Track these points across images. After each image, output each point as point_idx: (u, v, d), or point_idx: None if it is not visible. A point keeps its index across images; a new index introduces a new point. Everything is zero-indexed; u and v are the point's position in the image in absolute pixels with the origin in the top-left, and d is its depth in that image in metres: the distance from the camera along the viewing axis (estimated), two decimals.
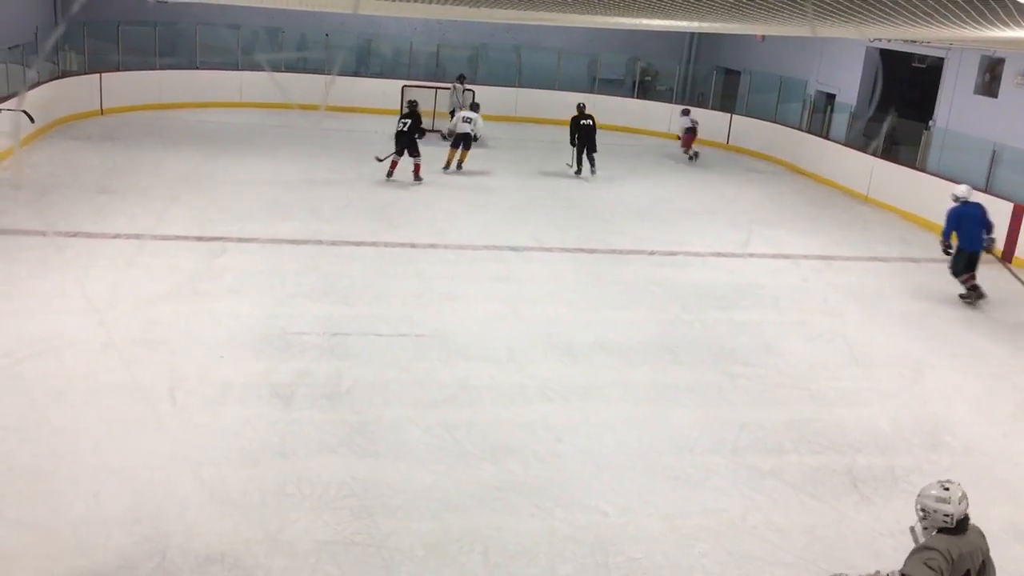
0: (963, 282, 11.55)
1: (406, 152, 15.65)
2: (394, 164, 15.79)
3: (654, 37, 22.67)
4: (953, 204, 11.52)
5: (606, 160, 17.80)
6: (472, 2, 5.66)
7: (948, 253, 11.52)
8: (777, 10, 4.08)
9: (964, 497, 4.41)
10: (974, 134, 15.49)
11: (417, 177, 15.83)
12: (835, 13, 3.88)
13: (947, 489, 4.41)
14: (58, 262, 10.29)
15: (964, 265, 11.47)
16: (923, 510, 4.45)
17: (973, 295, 11.49)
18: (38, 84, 16.95)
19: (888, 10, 3.56)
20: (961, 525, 4.39)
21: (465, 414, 7.59)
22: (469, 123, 17.07)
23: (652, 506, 6.48)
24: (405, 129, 15.71)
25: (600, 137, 17.36)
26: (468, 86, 20.34)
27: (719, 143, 21.70)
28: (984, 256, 11.44)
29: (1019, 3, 3.79)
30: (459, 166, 17.08)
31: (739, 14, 4.75)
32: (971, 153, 15.50)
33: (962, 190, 11.68)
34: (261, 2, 9.28)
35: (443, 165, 16.90)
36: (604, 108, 21.13)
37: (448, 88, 20.50)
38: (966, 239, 11.44)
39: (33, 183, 13.55)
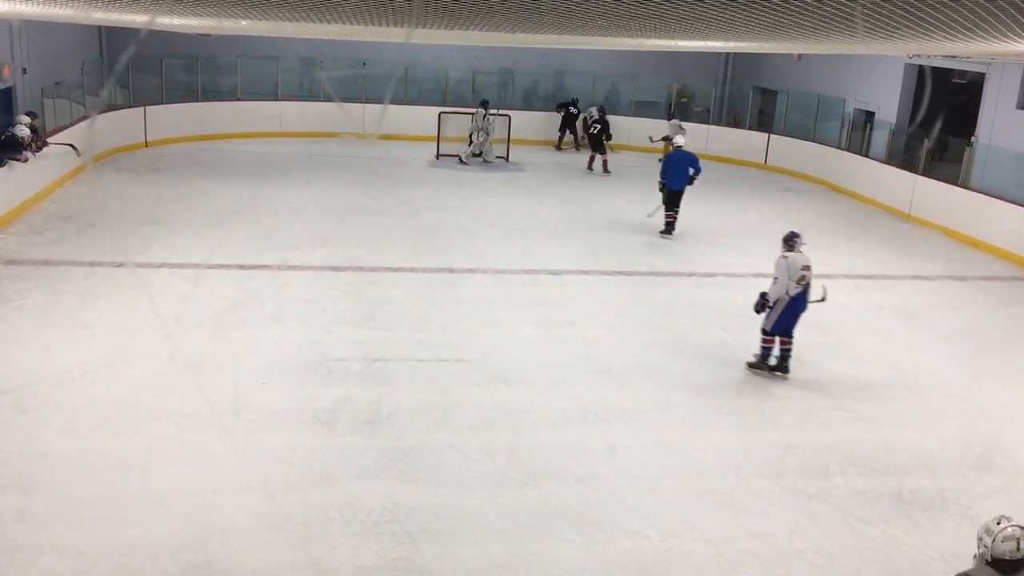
0: (667, 219, 14.33)
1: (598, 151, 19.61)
2: (592, 159, 19.79)
3: (689, 58, 22.65)
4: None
5: (643, 182, 17.75)
6: (512, 28, 5.71)
7: (662, 190, 14.30)
8: (825, 28, 4.06)
9: (1015, 539, 4.21)
10: (1018, 149, 15.24)
11: (606, 170, 19.53)
12: (886, 28, 3.85)
13: (998, 523, 4.29)
14: (104, 292, 10.48)
15: (669, 201, 14.25)
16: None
17: (669, 230, 14.33)
18: (85, 118, 17.35)
19: (940, 24, 3.52)
20: (1003, 565, 4.24)
21: (506, 438, 7.58)
22: (683, 132, 19.83)
23: (697, 530, 6.41)
24: (596, 132, 19.60)
25: (637, 160, 17.42)
26: (494, 111, 20.32)
27: (757, 163, 21.58)
28: None
29: None
30: None
31: (785, 34, 4.74)
32: (1015, 168, 15.26)
33: (679, 139, 14.68)
34: (310, 33, 9.40)
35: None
36: (642, 129, 21.14)
37: (471, 113, 20.52)
38: (672, 180, 14.17)
39: (79, 214, 13.84)
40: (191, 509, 6.30)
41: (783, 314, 8.79)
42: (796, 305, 8.72)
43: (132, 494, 6.45)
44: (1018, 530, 4.25)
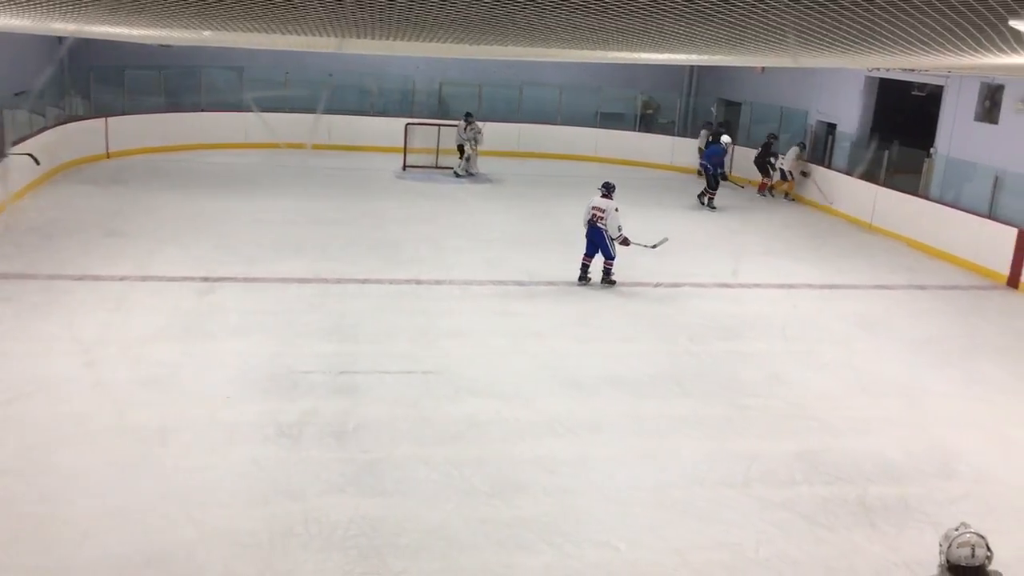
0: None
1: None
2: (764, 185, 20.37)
3: (655, 70, 22.83)
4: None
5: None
6: (476, 40, 5.73)
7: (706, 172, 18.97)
8: (760, 41, 4.12)
9: (970, 545, 4.19)
10: (976, 160, 15.52)
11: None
12: (819, 43, 3.91)
13: (956, 530, 4.32)
14: (65, 305, 10.32)
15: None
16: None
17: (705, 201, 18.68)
18: (44, 129, 17.11)
19: (878, 39, 3.59)
20: (961, 571, 4.26)
21: (473, 451, 7.56)
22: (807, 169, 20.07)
23: (664, 540, 6.43)
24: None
25: (603, 171, 17.49)
26: (477, 123, 20.33)
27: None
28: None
29: (1017, 31, 3.82)
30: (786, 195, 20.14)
31: (725, 46, 4.81)
32: (973, 180, 15.53)
33: (725, 139, 19.45)
34: (248, 43, 9.39)
35: (784, 193, 20.15)
36: (607, 142, 21.28)
37: (454, 125, 20.54)
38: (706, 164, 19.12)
39: (39, 227, 13.63)
40: (154, 525, 6.21)
41: (587, 238, 12.21)
42: (590, 234, 12.13)
43: (94, 511, 6.34)
44: (974, 536, 4.27)
